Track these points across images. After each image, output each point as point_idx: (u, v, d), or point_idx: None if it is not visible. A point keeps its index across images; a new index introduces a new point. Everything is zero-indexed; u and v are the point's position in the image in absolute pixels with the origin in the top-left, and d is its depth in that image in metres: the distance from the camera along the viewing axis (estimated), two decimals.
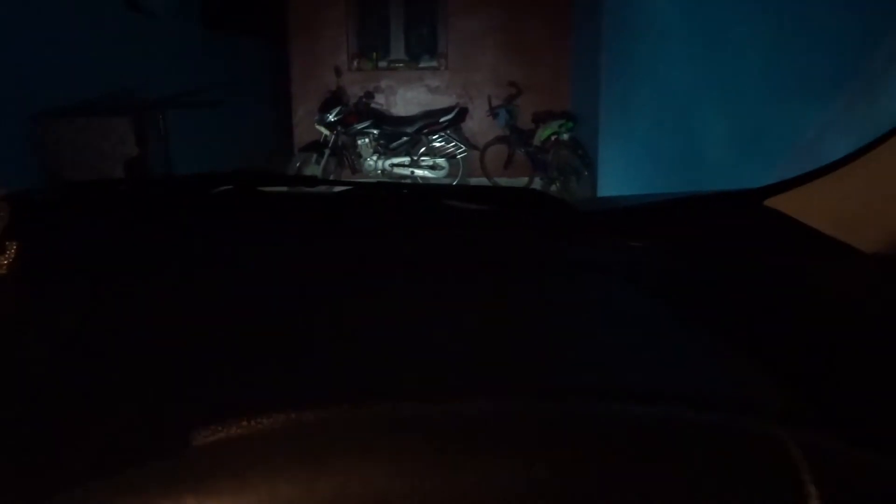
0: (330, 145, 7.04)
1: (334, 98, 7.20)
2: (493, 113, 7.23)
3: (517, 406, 0.47)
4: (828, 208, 0.85)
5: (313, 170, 7.01)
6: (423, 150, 7.19)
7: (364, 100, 7.32)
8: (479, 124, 7.59)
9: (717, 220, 0.97)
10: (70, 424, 0.48)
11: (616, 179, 5.08)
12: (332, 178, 7.07)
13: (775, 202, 0.91)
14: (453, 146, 7.17)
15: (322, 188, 1.16)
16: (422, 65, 7.80)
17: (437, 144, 7.18)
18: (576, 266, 0.90)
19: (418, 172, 7.17)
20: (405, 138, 7.18)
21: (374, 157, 7.20)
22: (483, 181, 7.34)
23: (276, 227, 1.01)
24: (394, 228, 1.02)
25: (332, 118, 7.00)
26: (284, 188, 1.25)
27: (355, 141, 7.22)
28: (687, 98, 3.42)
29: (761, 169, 2.29)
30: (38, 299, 0.74)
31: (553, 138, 6.69)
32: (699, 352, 0.66)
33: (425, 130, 7.15)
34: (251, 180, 1.10)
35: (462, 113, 7.26)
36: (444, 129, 7.15)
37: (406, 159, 7.19)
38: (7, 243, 0.78)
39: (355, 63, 7.75)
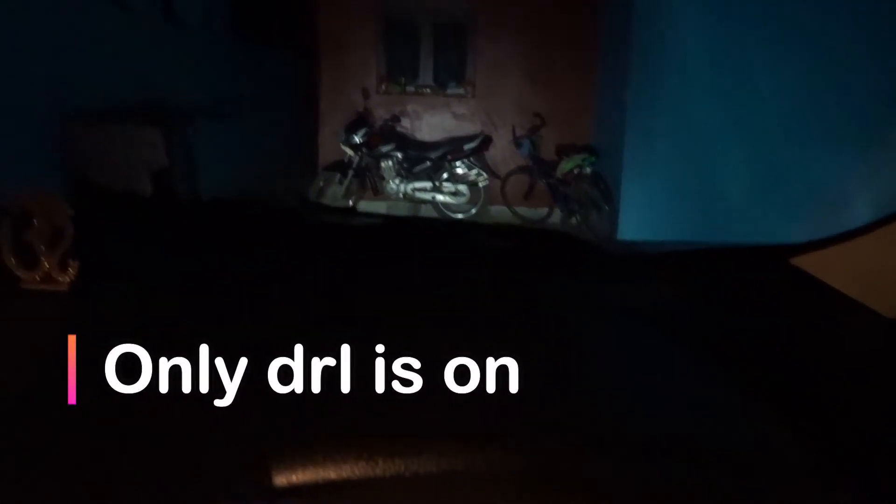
0: (354, 166, 7.11)
1: (360, 119, 7.29)
2: (517, 142, 7.29)
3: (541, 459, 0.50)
4: (852, 271, 0.88)
5: (336, 189, 7.08)
6: (445, 175, 7.25)
7: (390, 122, 7.40)
8: (502, 153, 7.65)
9: (743, 273, 1.00)
10: (131, 460, 0.50)
11: (638, 216, 5.10)
12: (353, 198, 7.15)
13: (801, 261, 0.94)
14: (475, 173, 7.23)
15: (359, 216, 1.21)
16: (448, 91, 7.89)
17: (460, 171, 7.25)
18: (603, 309, 0.93)
19: (439, 198, 7.23)
20: (428, 163, 7.24)
21: (397, 180, 7.27)
22: (503, 209, 7.39)
23: (313, 255, 1.05)
24: (425, 262, 1.05)
25: (357, 139, 7.08)
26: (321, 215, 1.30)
27: (379, 163, 7.30)
28: (711, 140, 3.46)
29: (783, 217, 2.31)
30: (97, 318, 0.78)
31: (575, 171, 6.73)
32: (723, 402, 0.69)
33: (448, 156, 7.22)
34: (293, 208, 1.15)
35: (486, 141, 7.32)
36: (467, 156, 7.21)
37: (428, 184, 7.25)
38: (70, 262, 0.82)
39: (383, 86, 7.85)
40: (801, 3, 2.52)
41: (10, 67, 4.19)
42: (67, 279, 0.82)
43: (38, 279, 0.82)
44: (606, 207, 6.16)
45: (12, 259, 0.82)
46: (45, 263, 0.82)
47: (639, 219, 5.04)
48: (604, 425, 0.60)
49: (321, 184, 7.13)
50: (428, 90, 7.89)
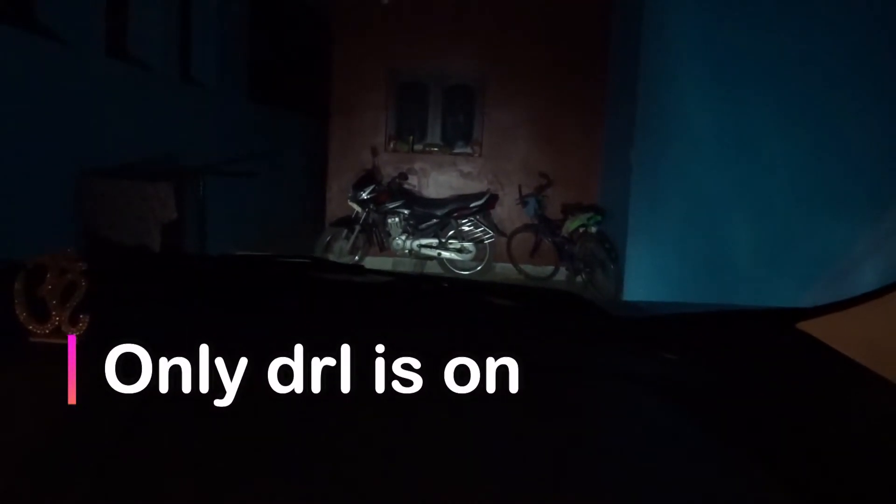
0: (361, 222, 7.17)
1: (368, 176, 7.38)
2: (523, 201, 7.36)
3: None
4: (859, 337, 0.88)
5: (342, 245, 7.12)
6: (451, 232, 7.30)
7: (397, 180, 7.49)
8: (508, 211, 7.72)
9: (750, 338, 1.00)
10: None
11: (643, 275, 5.10)
12: (359, 253, 7.19)
13: (808, 326, 0.94)
14: (481, 231, 7.27)
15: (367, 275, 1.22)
16: (456, 150, 8.00)
17: (466, 228, 7.29)
18: (607, 373, 0.93)
19: (445, 254, 7.26)
20: (434, 220, 7.30)
21: (403, 237, 7.31)
22: (508, 266, 7.40)
23: (323, 314, 1.05)
24: (432, 320, 1.06)
25: (364, 195, 7.16)
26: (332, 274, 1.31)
27: (385, 219, 7.36)
28: (717, 203, 3.48)
29: (789, 282, 2.31)
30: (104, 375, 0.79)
31: (581, 230, 6.76)
32: (726, 472, 0.68)
33: (455, 214, 7.28)
34: (303, 265, 1.16)
35: (492, 199, 7.39)
36: (473, 214, 7.27)
37: (434, 241, 7.29)
38: (81, 316, 0.83)
39: (391, 144, 7.98)
40: (807, 73, 2.57)
41: (29, 124, 4.30)
42: (77, 333, 0.83)
43: (48, 332, 0.83)
44: (612, 266, 6.17)
45: (24, 312, 0.83)
46: (56, 317, 0.83)
47: (644, 279, 5.04)
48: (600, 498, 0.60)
49: (328, 239, 7.18)
50: (435, 149, 8.01)
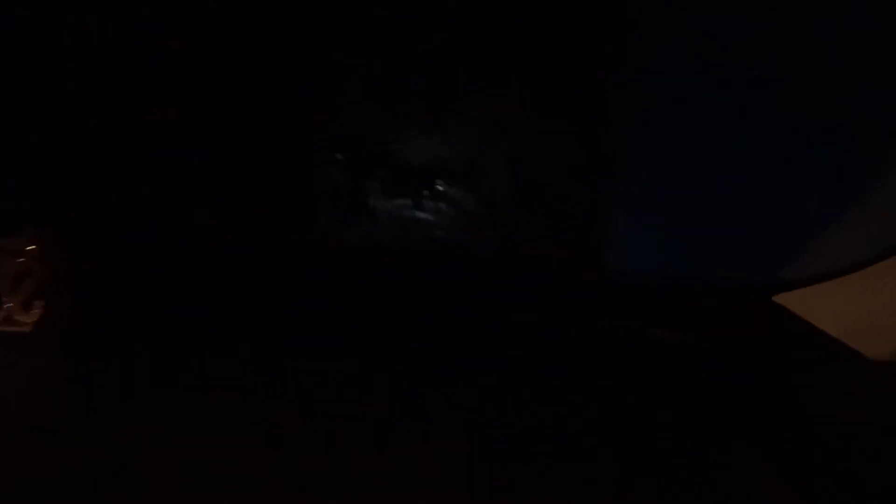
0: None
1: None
2: None
3: None
4: (835, 311, 0.87)
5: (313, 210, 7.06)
6: (425, 193, 7.26)
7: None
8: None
9: (725, 309, 0.99)
10: None
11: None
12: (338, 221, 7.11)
13: (784, 298, 0.93)
14: (457, 192, 7.24)
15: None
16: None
17: (440, 189, 7.26)
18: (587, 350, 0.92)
19: (420, 215, 7.22)
20: (412, 182, 7.25)
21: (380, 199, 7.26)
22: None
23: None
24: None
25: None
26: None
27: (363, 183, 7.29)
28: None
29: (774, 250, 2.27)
30: (62, 360, 0.76)
31: None
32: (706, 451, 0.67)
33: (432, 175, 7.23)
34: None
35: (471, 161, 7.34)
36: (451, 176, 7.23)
37: (408, 201, 7.25)
38: (36, 301, 0.79)
39: None
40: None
41: None
42: (31, 320, 0.79)
43: None
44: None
45: None
46: (8, 304, 0.79)
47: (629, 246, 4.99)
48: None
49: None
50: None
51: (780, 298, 0.93)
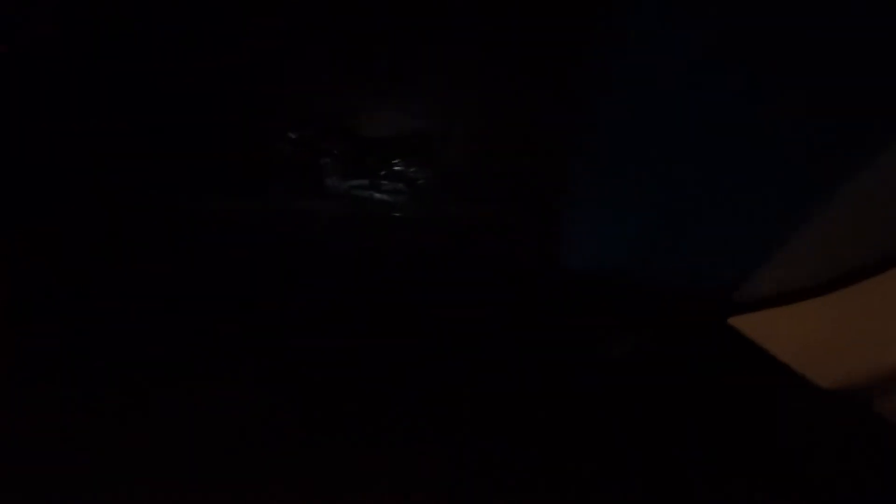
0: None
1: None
2: None
3: None
4: (789, 336, 0.88)
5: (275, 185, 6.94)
6: (383, 173, 7.20)
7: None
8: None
9: (681, 330, 0.99)
10: None
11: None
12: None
13: (739, 321, 0.94)
14: (414, 171, 7.19)
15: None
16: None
17: (398, 168, 7.20)
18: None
19: (378, 195, 7.17)
20: (367, 160, 7.17)
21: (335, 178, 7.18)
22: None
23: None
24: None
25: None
26: None
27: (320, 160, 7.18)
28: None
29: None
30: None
31: None
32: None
33: (387, 153, 7.16)
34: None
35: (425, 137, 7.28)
36: (406, 154, 7.17)
37: (365, 181, 7.18)
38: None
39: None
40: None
41: None
42: None
43: None
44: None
45: None
46: None
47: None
48: None
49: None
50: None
51: (735, 322, 0.94)
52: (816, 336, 0.86)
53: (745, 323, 0.93)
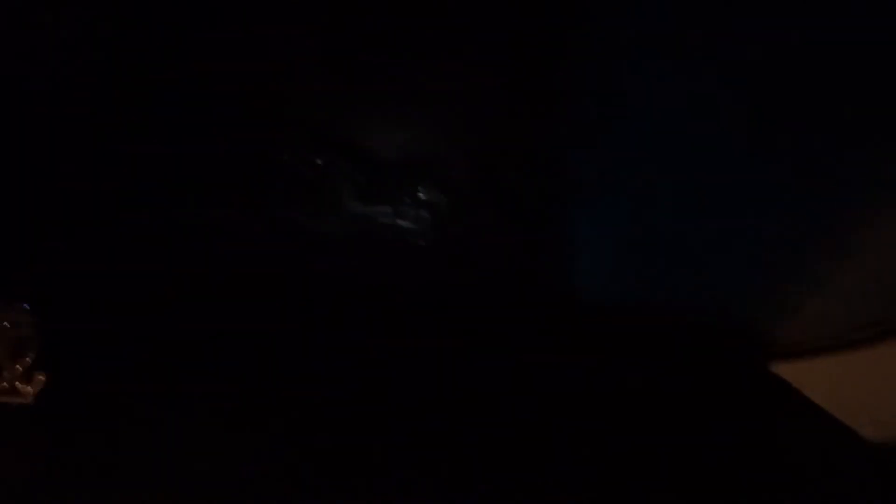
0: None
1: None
2: None
3: None
4: (832, 385, 0.89)
5: (289, 211, 6.98)
6: (407, 200, 7.22)
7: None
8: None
9: (719, 376, 1.00)
10: None
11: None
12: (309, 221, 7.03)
13: (780, 367, 0.94)
14: (437, 198, 7.21)
15: None
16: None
17: (422, 196, 7.22)
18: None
19: (400, 223, 7.18)
20: (389, 186, 7.20)
21: (356, 204, 7.21)
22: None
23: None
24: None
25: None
26: None
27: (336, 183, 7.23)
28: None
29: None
30: (63, 435, 0.74)
31: None
32: None
33: (410, 179, 7.19)
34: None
35: (448, 163, 7.31)
36: (428, 180, 7.19)
37: (388, 208, 7.20)
38: (35, 374, 0.78)
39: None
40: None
41: None
42: (32, 391, 0.78)
43: None
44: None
45: None
46: (8, 375, 0.78)
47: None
48: None
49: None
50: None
51: (776, 367, 0.95)
52: (861, 386, 0.86)
53: (787, 369, 0.94)
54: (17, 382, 0.78)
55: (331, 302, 1.00)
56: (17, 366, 0.78)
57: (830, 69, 0.84)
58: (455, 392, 0.86)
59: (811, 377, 0.91)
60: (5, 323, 0.78)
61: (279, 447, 0.75)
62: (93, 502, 0.66)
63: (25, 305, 0.79)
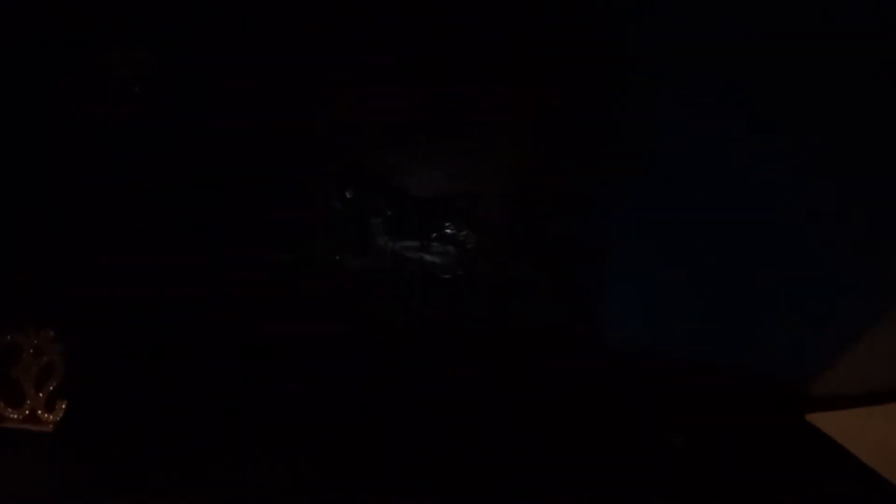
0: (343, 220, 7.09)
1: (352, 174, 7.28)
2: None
3: None
4: (870, 437, 0.85)
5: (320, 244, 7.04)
6: (434, 235, 7.24)
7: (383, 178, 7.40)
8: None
9: (756, 424, 0.97)
10: None
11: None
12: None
13: (817, 418, 0.91)
14: (464, 234, 7.22)
15: None
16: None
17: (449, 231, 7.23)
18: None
19: (427, 257, 7.20)
20: (418, 221, 7.23)
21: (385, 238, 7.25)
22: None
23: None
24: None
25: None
26: None
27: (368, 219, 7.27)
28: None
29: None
30: (81, 461, 0.74)
31: None
32: None
33: (439, 215, 7.21)
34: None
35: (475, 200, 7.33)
36: (456, 216, 7.21)
37: (416, 243, 7.22)
38: (57, 401, 0.78)
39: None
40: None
41: None
42: (53, 419, 0.77)
43: (20, 418, 0.77)
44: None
45: None
46: (31, 402, 0.77)
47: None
48: None
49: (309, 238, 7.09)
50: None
51: (813, 419, 0.92)
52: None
53: (825, 421, 0.91)
54: (39, 410, 0.77)
55: (355, 333, 0.99)
56: (41, 393, 0.78)
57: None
58: (473, 430, 0.84)
59: (847, 428, 0.88)
60: (31, 350, 0.79)
61: (300, 473, 0.74)
62: None
63: (52, 332, 0.79)
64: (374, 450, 0.76)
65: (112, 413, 0.81)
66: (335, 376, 0.90)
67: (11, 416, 0.78)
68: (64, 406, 0.78)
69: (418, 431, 0.80)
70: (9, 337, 0.79)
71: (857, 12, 0.82)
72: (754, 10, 0.92)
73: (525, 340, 1.09)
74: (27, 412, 0.78)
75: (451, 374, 0.97)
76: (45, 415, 0.78)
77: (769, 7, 0.91)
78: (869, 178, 0.89)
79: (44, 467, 0.74)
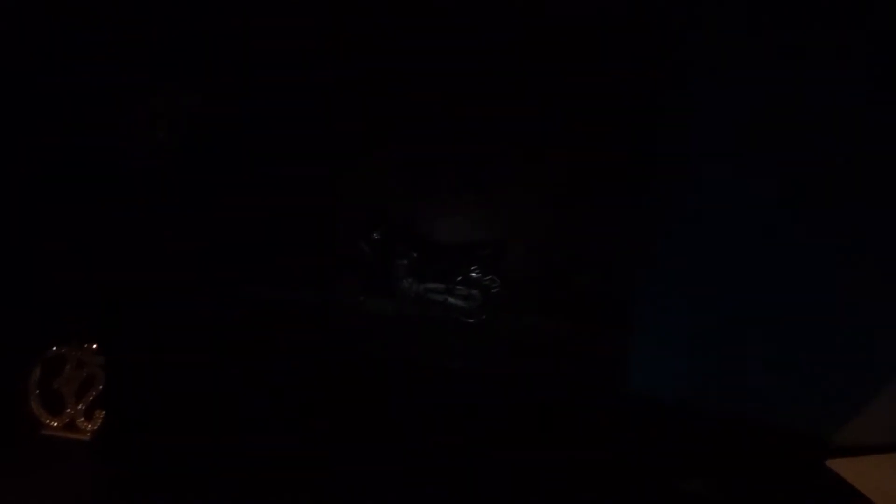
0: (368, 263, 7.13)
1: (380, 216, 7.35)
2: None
3: None
4: (891, 484, 0.85)
5: (345, 285, 7.07)
6: (459, 278, 7.24)
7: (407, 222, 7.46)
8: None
9: (776, 471, 0.97)
10: None
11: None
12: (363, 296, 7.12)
13: (838, 464, 0.91)
14: (489, 279, 7.22)
15: None
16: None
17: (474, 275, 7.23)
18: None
19: (452, 300, 7.20)
20: (444, 264, 7.24)
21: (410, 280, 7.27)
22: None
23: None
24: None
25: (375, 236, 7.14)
26: None
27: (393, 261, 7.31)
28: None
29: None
30: (117, 469, 0.76)
31: None
32: None
33: (464, 260, 7.23)
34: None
35: (502, 247, 7.34)
36: (482, 262, 7.21)
37: (441, 285, 7.23)
38: (96, 411, 0.81)
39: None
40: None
41: None
42: (91, 428, 0.80)
43: (61, 426, 0.81)
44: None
45: (38, 405, 0.81)
46: (71, 411, 0.81)
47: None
48: None
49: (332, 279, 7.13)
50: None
51: (834, 465, 0.92)
52: None
53: (845, 467, 0.90)
54: (78, 419, 0.81)
55: (377, 376, 1.02)
56: (81, 404, 0.81)
57: None
58: (491, 474, 0.86)
59: (869, 475, 0.88)
60: (74, 362, 0.82)
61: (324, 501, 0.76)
62: None
63: (95, 345, 0.83)
64: (393, 496, 0.78)
65: (148, 422, 0.84)
66: (356, 415, 0.92)
67: (51, 423, 0.81)
68: (102, 415, 0.81)
69: (435, 475, 0.81)
70: (54, 349, 0.83)
71: None
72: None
73: (546, 387, 1.10)
74: (67, 421, 0.81)
75: (471, 418, 0.99)
76: (84, 423, 0.81)
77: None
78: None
79: (80, 473, 0.76)
